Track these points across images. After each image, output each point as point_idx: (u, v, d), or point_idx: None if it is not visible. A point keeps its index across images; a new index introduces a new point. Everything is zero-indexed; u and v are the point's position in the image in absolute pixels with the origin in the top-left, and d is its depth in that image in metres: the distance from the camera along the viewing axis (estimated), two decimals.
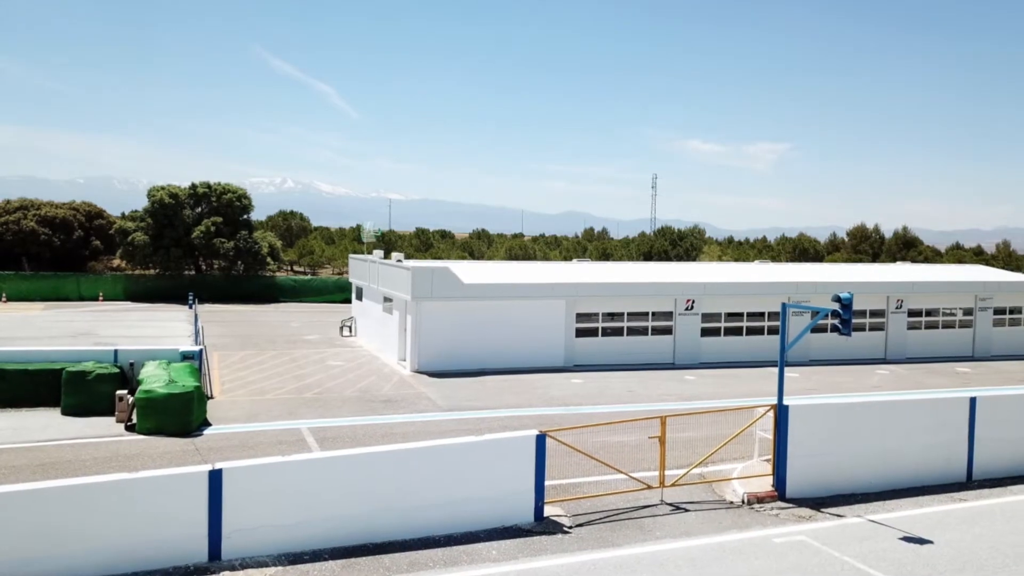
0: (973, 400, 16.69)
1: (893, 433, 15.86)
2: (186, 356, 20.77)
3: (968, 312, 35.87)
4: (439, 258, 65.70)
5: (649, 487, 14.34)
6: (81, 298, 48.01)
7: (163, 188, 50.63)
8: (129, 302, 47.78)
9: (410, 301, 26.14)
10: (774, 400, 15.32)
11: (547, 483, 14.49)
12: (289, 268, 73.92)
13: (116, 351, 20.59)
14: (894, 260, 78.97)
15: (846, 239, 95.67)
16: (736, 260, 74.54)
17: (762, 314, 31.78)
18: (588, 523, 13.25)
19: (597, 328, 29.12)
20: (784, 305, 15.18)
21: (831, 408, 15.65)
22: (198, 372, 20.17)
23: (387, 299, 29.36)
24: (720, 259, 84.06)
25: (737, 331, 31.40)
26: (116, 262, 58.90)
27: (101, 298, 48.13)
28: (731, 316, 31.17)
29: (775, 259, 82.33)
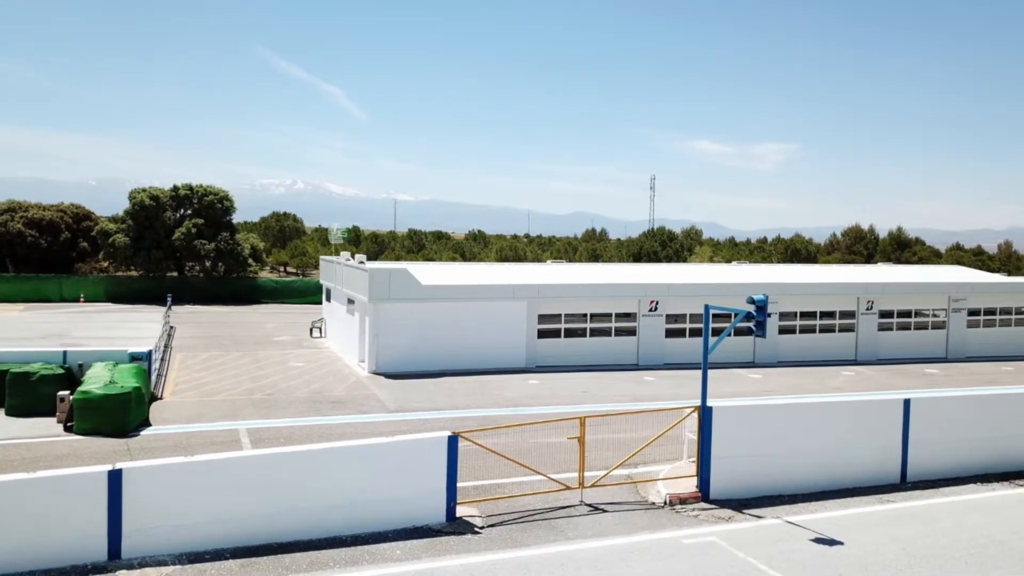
0: (907, 402, 16.68)
1: (823, 435, 15.85)
2: (134, 357, 20.89)
3: (942, 313, 35.82)
4: (431, 259, 65.77)
5: (568, 488, 14.39)
6: (63, 299, 48.24)
7: (144, 190, 50.87)
8: (110, 303, 47.98)
9: (367, 302, 26.22)
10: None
11: (470, 484, 14.63)
12: (282, 269, 74.12)
13: (65, 352, 20.73)
14: (888, 261, 78.95)
15: (841, 240, 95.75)
16: (727, 261, 74.46)
17: (729, 315, 31.75)
18: (501, 524, 13.30)
19: (559, 329, 29.17)
20: (707, 307, 15.22)
21: (756, 410, 15.69)
22: (145, 373, 20.28)
23: (350, 300, 29.47)
24: (711, 260, 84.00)
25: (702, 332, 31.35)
26: (104, 264, 59.19)
27: (83, 299, 48.36)
28: (696, 317, 31.17)
29: (766, 260, 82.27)
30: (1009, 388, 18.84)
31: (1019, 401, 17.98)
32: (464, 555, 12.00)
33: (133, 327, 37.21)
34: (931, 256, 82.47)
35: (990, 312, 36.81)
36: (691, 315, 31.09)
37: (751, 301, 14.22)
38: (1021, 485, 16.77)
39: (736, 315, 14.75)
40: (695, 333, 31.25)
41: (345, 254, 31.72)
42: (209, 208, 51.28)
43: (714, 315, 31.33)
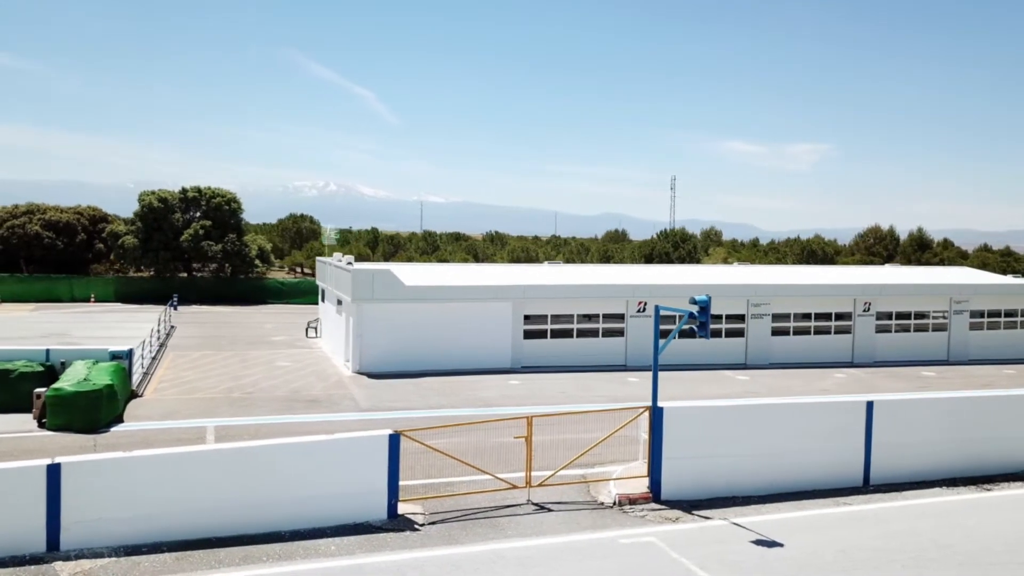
0: (870, 404, 16.49)
1: (781, 436, 15.72)
2: (115, 356, 21.35)
3: (943, 315, 35.28)
4: (444, 260, 66.11)
5: (515, 487, 14.47)
6: (73, 299, 49.28)
7: (153, 192, 51.81)
8: (119, 303, 48.92)
9: (351, 302, 26.50)
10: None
11: (420, 483, 14.78)
12: (299, 270, 74.95)
13: (48, 351, 21.25)
14: (908, 262, 77.72)
15: (861, 241, 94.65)
16: (741, 262, 73.84)
17: (719, 316, 31.57)
18: (443, 521, 13.41)
19: (546, 330, 29.23)
20: (657, 307, 15.22)
21: (708, 411, 15.63)
22: (124, 371, 20.73)
23: (339, 301, 29.79)
24: (725, 261, 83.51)
25: (691, 333, 31.18)
26: (116, 265, 60.42)
27: (93, 299, 49.36)
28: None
29: (780, 261, 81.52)
30: (985, 391, 18.51)
31: (992, 404, 17.72)
32: (398, 552, 12.13)
33: (134, 327, 37.85)
34: (955, 257, 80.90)
35: (994, 314, 36.17)
36: (679, 316, 30.92)
37: (693, 302, 14.20)
38: (989, 490, 16.53)
39: (681, 316, 14.70)
40: (684, 334, 31.07)
41: (337, 255, 32.08)
42: (217, 210, 52.09)
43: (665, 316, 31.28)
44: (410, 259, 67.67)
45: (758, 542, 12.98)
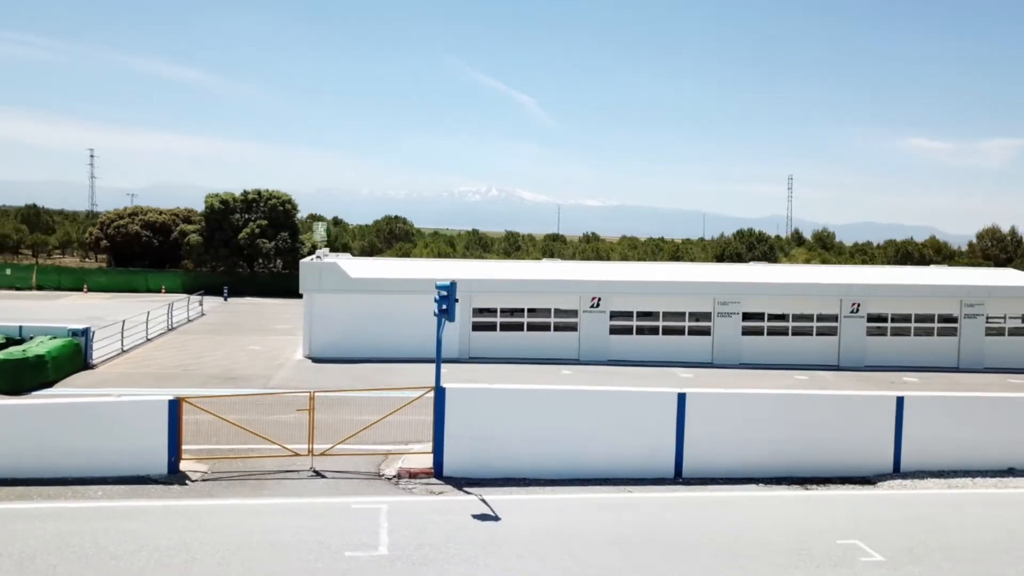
0: (682, 396, 16.42)
1: (581, 424, 16.00)
2: (74, 333, 24.59)
3: (951, 319, 32.77)
4: (514, 259, 67.88)
5: (297, 455, 15.79)
6: (148, 290, 55.16)
7: (216, 195, 56.92)
8: (184, 294, 54.23)
9: (304, 294, 28.66)
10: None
11: (227, 447, 16.40)
12: None
13: (21, 327, 24.82)
14: None
15: (976, 243, 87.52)
16: (823, 263, 70.17)
17: (682, 314, 31.13)
18: (217, 479, 14.98)
19: (495, 323, 30.09)
20: (439, 286, 15.95)
21: (493, 393, 16.20)
22: (76, 346, 23.88)
23: None
24: (807, 262, 79.65)
25: (653, 330, 31.01)
26: (187, 262, 66.82)
27: (163, 290, 55.05)
28: (643, 315, 30.86)
29: (865, 262, 76.68)
30: (817, 390, 17.58)
31: (826, 403, 17.08)
32: (155, 499, 13.83)
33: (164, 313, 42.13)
34: None
35: (1014, 319, 33.11)
36: (638, 312, 30.83)
37: (438, 287, 14.91)
38: (812, 488, 16.02)
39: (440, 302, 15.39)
40: (643, 331, 30.95)
41: (323, 250, 34.47)
42: (273, 210, 56.47)
43: (665, 313, 30.91)
44: (463, 257, 70.04)
45: (482, 517, 13.58)
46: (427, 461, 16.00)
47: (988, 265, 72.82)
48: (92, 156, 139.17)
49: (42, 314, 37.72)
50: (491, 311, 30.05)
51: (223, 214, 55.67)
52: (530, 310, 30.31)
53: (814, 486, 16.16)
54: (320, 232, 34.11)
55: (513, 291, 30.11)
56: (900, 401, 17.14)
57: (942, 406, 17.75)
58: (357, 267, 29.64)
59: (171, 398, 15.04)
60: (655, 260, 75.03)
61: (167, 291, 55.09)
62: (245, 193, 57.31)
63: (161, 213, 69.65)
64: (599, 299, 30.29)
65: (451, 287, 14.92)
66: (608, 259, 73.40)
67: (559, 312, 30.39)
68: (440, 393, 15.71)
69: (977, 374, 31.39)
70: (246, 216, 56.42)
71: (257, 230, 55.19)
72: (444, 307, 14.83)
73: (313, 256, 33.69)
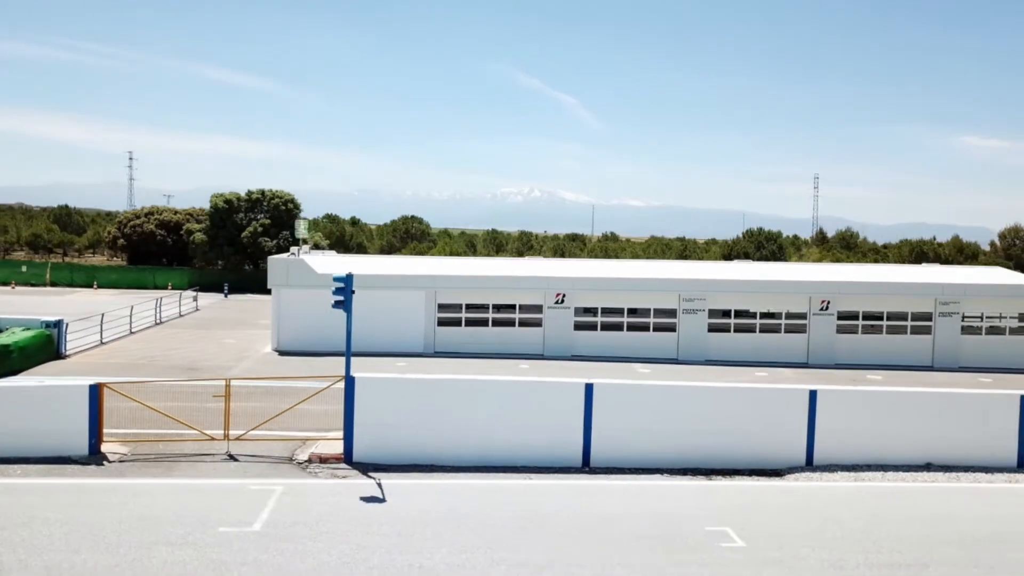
0: (589, 387, 16.81)
1: (486, 412, 16.48)
2: (47, 324, 25.77)
3: (926, 317, 32.45)
4: (522, 256, 68.65)
5: (214, 439, 16.53)
6: (155, 287, 56.86)
7: (221, 195, 58.43)
8: (189, 291, 55.78)
9: (273, 289, 29.55)
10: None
11: (153, 431, 17.19)
12: None
13: None
14: None
15: (997, 242, 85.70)
16: (838, 262, 69.37)
17: (647, 310, 31.36)
18: (133, 461, 15.79)
19: (460, 318, 30.65)
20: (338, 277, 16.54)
21: (400, 382, 16.75)
22: (48, 337, 25.05)
23: None
24: (819, 262, 78.75)
25: (618, 326, 31.28)
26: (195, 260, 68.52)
27: (170, 287, 56.69)
28: (608, 311, 31.14)
29: (877, 261, 75.63)
30: (733, 384, 17.71)
31: (739, 396, 17.27)
32: (70, 477, 14.70)
33: (165, 308, 43.50)
34: None
35: (992, 318, 32.64)
36: (603, 308, 31.13)
37: (335, 279, 15.49)
38: (716, 479, 16.29)
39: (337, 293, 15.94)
40: (609, 327, 31.23)
41: (305, 247, 35.37)
42: (276, 210, 57.78)
43: (629, 310, 31.14)
44: (489, 255, 70.78)
45: (369, 499, 14.17)
46: (339, 447, 16.63)
47: (1008, 265, 71.30)
48: (131, 159, 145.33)
49: (44, 308, 39.28)
50: (456, 307, 30.62)
51: (227, 213, 57.13)
52: (496, 306, 30.83)
53: (719, 477, 16.43)
54: (301, 229, 35.02)
55: (477, 287, 30.65)
56: (813, 395, 17.32)
57: (860, 401, 17.85)
58: (324, 263, 30.42)
59: (92, 383, 15.89)
60: (663, 259, 74.81)
61: (173, 288, 56.73)
62: (249, 193, 58.70)
63: (176, 213, 71.63)
64: (563, 295, 30.67)
65: (347, 279, 15.52)
66: (618, 258, 73.49)
67: (524, 308, 30.85)
68: (350, 382, 16.32)
69: (950, 372, 31.06)
70: (250, 215, 57.79)
71: (260, 229, 56.52)
72: (340, 298, 15.40)
73: (289, 252, 34.62)
